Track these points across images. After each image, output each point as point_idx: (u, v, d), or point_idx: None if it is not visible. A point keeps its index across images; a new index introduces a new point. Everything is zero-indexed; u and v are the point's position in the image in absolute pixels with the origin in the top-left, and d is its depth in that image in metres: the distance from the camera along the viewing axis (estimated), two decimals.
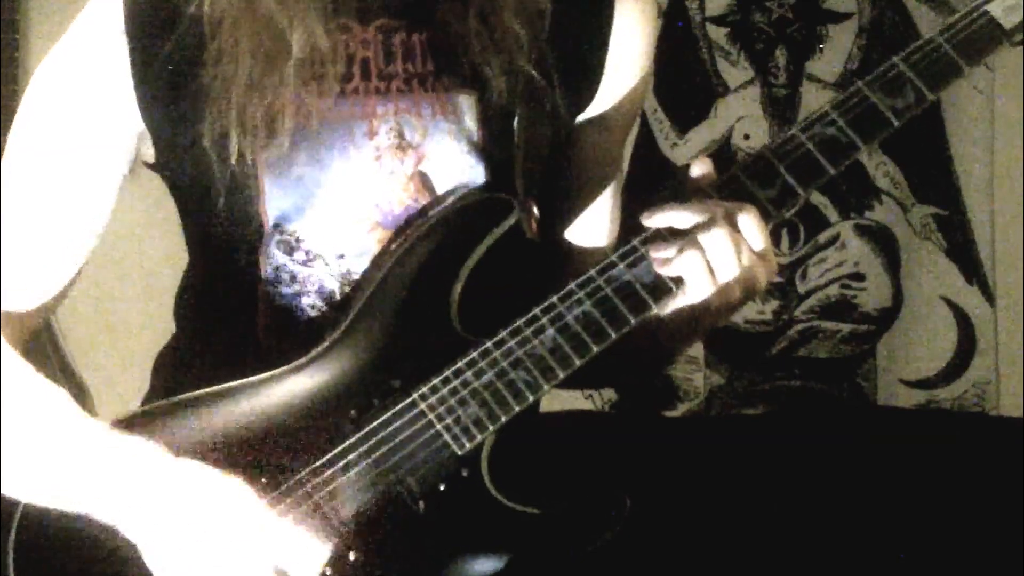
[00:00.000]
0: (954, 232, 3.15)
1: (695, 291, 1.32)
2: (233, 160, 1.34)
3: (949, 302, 3.16)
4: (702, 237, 1.30)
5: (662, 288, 1.33)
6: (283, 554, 1.25)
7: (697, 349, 3.12)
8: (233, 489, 1.25)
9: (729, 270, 1.31)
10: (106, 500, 1.26)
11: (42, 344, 2.69)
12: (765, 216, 1.35)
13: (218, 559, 1.23)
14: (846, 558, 2.14)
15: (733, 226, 1.31)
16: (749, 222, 1.32)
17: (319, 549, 1.27)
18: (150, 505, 1.25)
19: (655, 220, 1.34)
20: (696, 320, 1.36)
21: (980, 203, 3.14)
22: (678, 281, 1.33)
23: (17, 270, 1.39)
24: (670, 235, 1.33)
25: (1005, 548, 2.07)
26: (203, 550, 1.23)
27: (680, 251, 1.31)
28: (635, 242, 1.34)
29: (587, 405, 3.07)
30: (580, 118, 1.46)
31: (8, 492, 1.29)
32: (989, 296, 3.15)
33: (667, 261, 1.32)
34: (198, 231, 1.45)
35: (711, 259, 1.30)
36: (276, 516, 1.26)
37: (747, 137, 3.14)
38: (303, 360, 1.33)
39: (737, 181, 1.36)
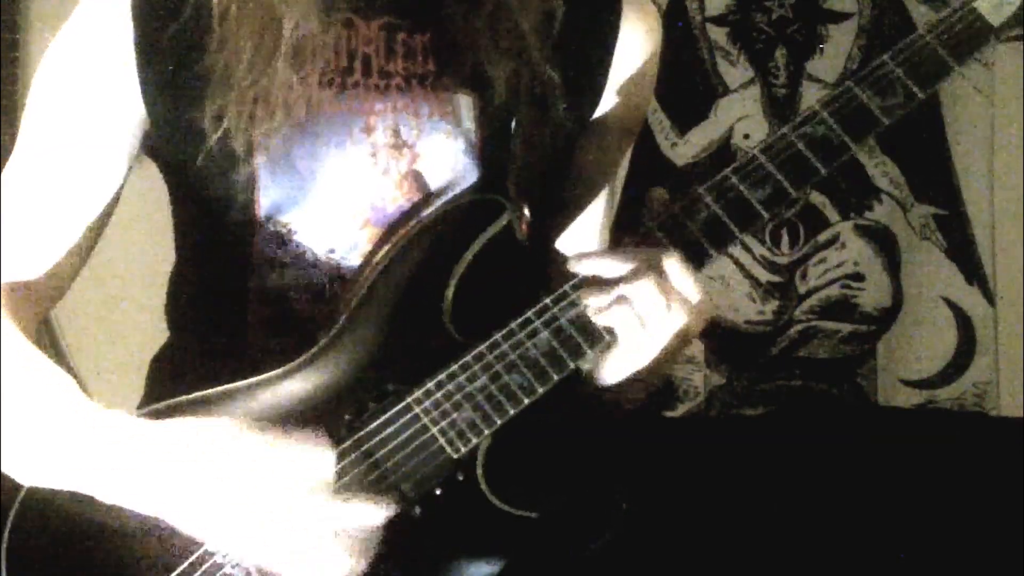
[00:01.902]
0: (954, 232, 3.15)
1: (628, 343, 1.31)
2: (231, 141, 1.34)
3: (949, 302, 3.16)
4: (628, 289, 1.29)
5: None
6: (294, 473, 1.22)
7: (697, 349, 3.12)
8: (232, 428, 1.24)
9: (658, 319, 1.29)
10: (149, 485, 1.24)
11: (42, 344, 2.69)
12: (757, 217, 1.35)
13: (242, 496, 1.21)
14: (846, 558, 2.15)
15: (659, 273, 1.29)
16: (675, 267, 1.30)
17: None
18: (195, 480, 1.22)
19: (582, 267, 1.34)
20: (636, 371, 1.34)
21: (980, 203, 3.14)
22: (611, 331, 1.32)
23: (24, 240, 1.38)
24: (601, 283, 1.32)
25: (1005, 548, 2.07)
26: (226, 495, 1.21)
27: (610, 304, 1.30)
28: (566, 287, 1.33)
29: None
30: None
31: (26, 478, 1.28)
32: (989, 296, 3.15)
33: (599, 311, 1.31)
34: (192, 222, 1.45)
35: (639, 310, 1.29)
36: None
37: (747, 137, 3.14)
38: (296, 362, 1.32)
39: (728, 183, 1.35)
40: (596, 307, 1.31)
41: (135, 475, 1.24)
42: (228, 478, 1.21)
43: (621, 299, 1.30)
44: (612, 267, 1.32)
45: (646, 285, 1.29)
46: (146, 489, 1.24)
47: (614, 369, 1.34)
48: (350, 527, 1.22)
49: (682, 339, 1.32)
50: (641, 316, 1.29)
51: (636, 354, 1.32)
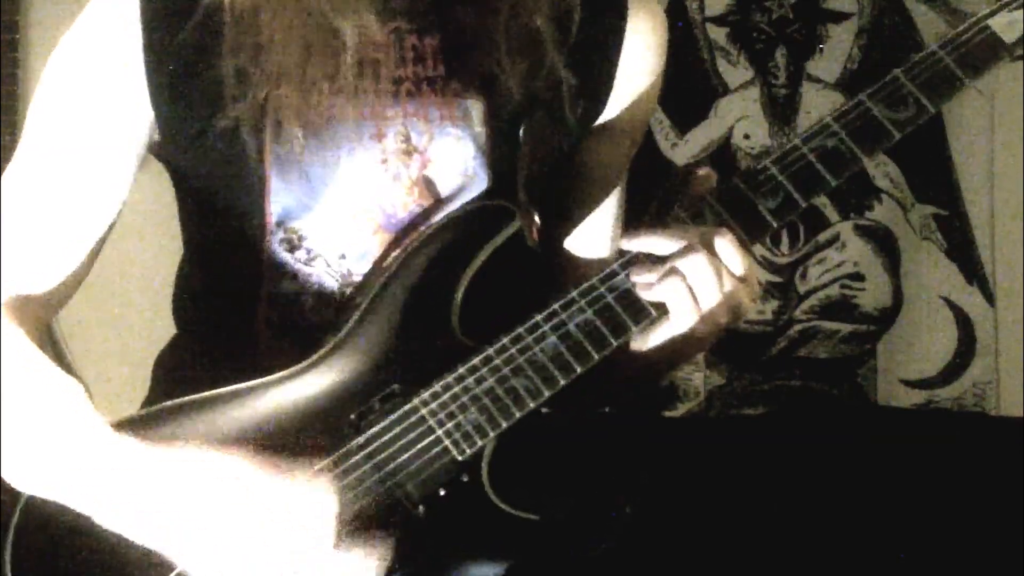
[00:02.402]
0: (954, 232, 3.15)
1: (679, 317, 1.32)
2: (243, 149, 1.34)
3: (949, 302, 3.16)
4: (682, 263, 1.31)
5: None
6: (297, 529, 1.23)
7: None
8: (241, 470, 1.24)
9: (711, 295, 1.31)
10: (113, 507, 1.25)
11: (42, 344, 2.68)
12: (766, 227, 1.36)
13: (242, 544, 1.22)
14: (846, 558, 2.14)
15: (711, 251, 1.31)
16: (727, 246, 1.32)
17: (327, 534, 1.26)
18: (162, 509, 1.23)
19: (634, 245, 1.35)
20: (682, 346, 1.36)
21: (980, 203, 3.14)
22: (660, 307, 1.33)
23: (32, 250, 1.37)
24: (650, 260, 1.34)
25: (1005, 548, 2.07)
26: (227, 540, 1.22)
27: (661, 277, 1.32)
28: (615, 266, 1.35)
29: None
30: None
31: (25, 488, 1.28)
32: (989, 296, 3.15)
33: (648, 286, 1.33)
34: (201, 225, 1.45)
35: (692, 285, 1.31)
36: (287, 490, 1.25)
37: (747, 137, 3.14)
38: (304, 364, 1.32)
39: (738, 191, 1.36)
40: (646, 282, 1.33)
41: (134, 507, 1.24)
42: (229, 524, 1.22)
43: (674, 270, 1.31)
44: (664, 244, 1.33)
45: (699, 259, 1.30)
46: (143, 522, 1.24)
47: (657, 337, 1.36)
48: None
49: (731, 317, 1.34)
50: (694, 290, 1.31)
51: (683, 325, 1.33)
